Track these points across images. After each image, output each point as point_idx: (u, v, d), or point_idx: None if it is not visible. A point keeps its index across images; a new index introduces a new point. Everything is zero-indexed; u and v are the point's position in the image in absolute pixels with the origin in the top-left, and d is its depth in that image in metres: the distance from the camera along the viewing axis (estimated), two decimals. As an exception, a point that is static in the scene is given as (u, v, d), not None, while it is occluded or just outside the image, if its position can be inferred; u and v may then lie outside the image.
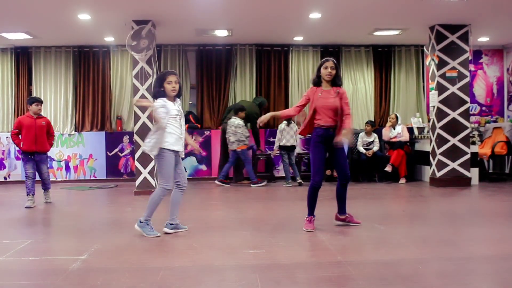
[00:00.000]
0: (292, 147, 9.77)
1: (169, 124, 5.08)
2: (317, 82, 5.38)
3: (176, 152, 5.19)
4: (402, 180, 9.86)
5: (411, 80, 11.37)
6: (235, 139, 9.66)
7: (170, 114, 5.06)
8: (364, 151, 10.06)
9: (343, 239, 4.98)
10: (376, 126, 10.92)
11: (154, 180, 8.56)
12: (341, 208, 5.61)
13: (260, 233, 5.26)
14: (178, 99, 5.26)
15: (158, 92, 5.10)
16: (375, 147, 10.05)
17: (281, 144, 9.75)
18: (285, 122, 9.85)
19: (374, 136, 10.15)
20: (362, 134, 10.32)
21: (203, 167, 10.78)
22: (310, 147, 5.42)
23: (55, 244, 5.00)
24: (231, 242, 4.88)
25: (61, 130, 10.87)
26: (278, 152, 9.98)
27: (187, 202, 7.71)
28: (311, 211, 5.51)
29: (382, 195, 8.31)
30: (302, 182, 9.65)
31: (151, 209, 5.26)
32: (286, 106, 11.19)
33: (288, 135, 9.70)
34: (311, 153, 5.36)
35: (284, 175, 10.01)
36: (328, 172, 10.32)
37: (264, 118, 5.54)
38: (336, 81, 5.36)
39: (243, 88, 11.13)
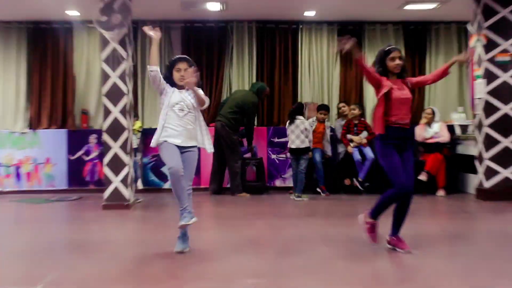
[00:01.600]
0: (301, 151, 9.58)
1: (168, 115, 5.47)
2: (382, 73, 5.51)
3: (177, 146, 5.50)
4: (441, 192, 9.83)
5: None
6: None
7: (170, 101, 5.49)
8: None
9: (366, 266, 4.93)
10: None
11: (127, 190, 8.51)
12: (393, 227, 5.57)
13: (261, 258, 5.23)
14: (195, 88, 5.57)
15: (165, 77, 5.57)
16: (406, 150, 9.99)
17: (289, 146, 9.68)
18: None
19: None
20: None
21: (190, 175, 10.73)
22: (380, 155, 5.48)
23: (2, 271, 4.95)
24: (225, 269, 4.85)
25: (10, 127, 10.85)
26: (288, 155, 9.95)
27: (169, 218, 7.66)
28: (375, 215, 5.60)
29: (415, 211, 8.21)
30: (299, 199, 9.49)
31: (179, 197, 5.46)
32: (295, 98, 11.17)
33: (293, 135, 9.54)
34: (384, 157, 5.42)
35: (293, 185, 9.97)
36: (347, 181, 10.28)
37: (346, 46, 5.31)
38: (404, 71, 5.56)
39: (240, 75, 11.10)
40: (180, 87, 5.56)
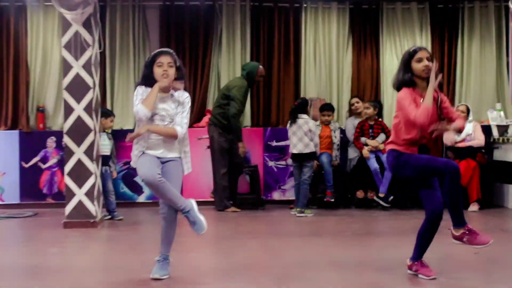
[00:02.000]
0: (304, 156, 9.61)
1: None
2: (410, 82, 5.43)
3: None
4: (474, 206, 9.86)
5: (489, 52, 11.41)
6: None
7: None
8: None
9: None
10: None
11: (93, 205, 8.53)
12: (416, 249, 5.58)
13: (256, 287, 5.24)
14: (181, 93, 5.62)
15: (146, 77, 5.58)
16: (432, 156, 10.01)
17: (290, 151, 9.72)
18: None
19: (431, 140, 10.12)
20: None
21: (170, 186, 10.72)
22: (402, 164, 5.48)
23: None
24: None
25: (-50, 128, 10.85)
26: (289, 162, 9.95)
27: (144, 238, 7.69)
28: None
29: (442, 229, 8.21)
30: (301, 215, 9.51)
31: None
32: (297, 90, 11.20)
33: (295, 137, 9.62)
34: (414, 162, 5.41)
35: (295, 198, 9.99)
36: (359, 194, 10.30)
37: None
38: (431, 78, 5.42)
39: (231, 64, 11.14)
40: (163, 90, 5.53)
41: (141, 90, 5.51)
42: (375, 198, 10.05)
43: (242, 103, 10.10)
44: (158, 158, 5.52)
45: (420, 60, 5.36)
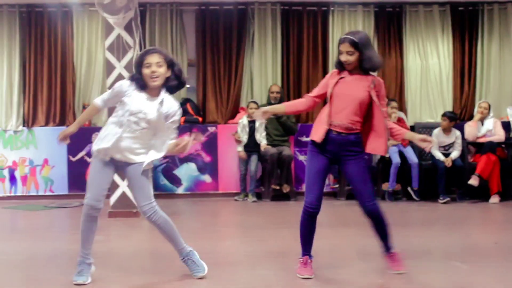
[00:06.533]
0: None
1: (125, 123, 5.01)
2: (341, 67, 5.05)
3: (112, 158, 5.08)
4: (494, 199, 9.74)
5: (507, 52, 11.26)
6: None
7: (130, 109, 4.97)
8: (441, 156, 9.92)
9: (411, 283, 4.93)
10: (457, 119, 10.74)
11: (135, 196, 8.56)
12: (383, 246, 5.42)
13: (288, 273, 5.25)
14: (171, 104, 5.06)
15: (135, 79, 5.03)
16: (455, 152, 9.88)
17: None
18: None
19: (455, 135, 9.98)
20: (437, 132, 10.19)
21: (207, 178, 10.78)
22: (307, 155, 5.27)
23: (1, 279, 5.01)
24: (247, 286, 4.86)
25: (3, 125, 10.94)
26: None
27: (182, 228, 7.68)
28: (305, 249, 5.39)
29: (464, 220, 8.21)
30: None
31: (81, 239, 5.34)
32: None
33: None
34: (307, 163, 5.27)
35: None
36: (384, 186, 10.24)
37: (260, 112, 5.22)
38: (363, 65, 4.98)
39: (262, 65, 11.11)
40: (152, 93, 5.00)
41: (120, 87, 5.07)
42: (408, 189, 10.05)
43: None
44: (117, 161, 5.06)
45: (340, 53, 4.93)
